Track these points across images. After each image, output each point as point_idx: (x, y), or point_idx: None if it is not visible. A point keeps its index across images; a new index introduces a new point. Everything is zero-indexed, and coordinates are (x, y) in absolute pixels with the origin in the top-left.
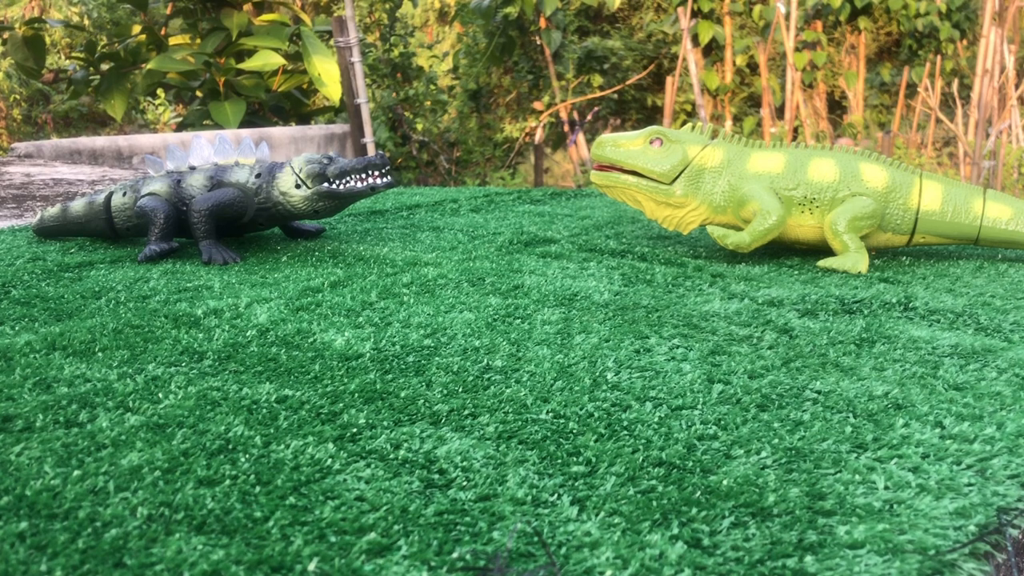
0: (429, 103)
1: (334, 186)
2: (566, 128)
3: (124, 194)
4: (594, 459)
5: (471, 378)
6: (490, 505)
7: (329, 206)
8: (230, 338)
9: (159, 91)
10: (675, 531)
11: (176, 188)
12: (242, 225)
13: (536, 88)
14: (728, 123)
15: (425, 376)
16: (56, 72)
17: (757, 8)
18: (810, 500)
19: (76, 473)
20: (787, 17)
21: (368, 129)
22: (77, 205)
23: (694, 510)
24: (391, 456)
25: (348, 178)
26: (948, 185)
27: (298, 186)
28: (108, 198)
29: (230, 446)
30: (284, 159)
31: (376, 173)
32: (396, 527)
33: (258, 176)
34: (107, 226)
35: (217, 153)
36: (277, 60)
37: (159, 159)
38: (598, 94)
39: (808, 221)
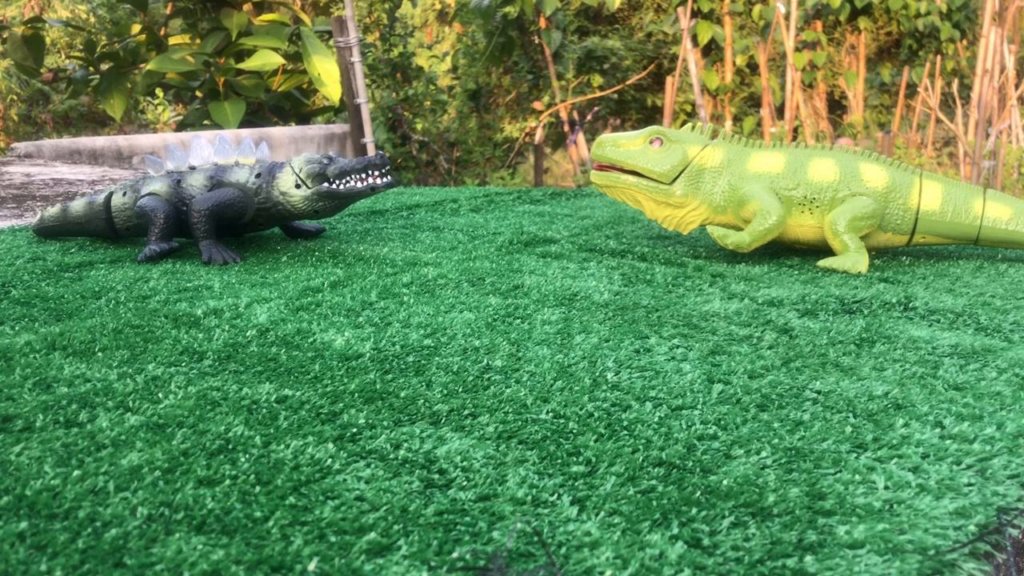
0: (429, 103)
1: (334, 186)
2: (566, 128)
3: (124, 194)
4: (594, 459)
5: (471, 378)
6: (490, 505)
7: (329, 206)
8: (230, 338)
9: (158, 91)
10: (675, 531)
11: (176, 188)
12: (242, 225)
13: (536, 88)
14: (728, 123)
15: (425, 376)
16: (55, 71)
17: (757, 8)
18: (810, 500)
19: (76, 473)
20: (787, 17)
21: (368, 129)
22: (77, 205)
23: (694, 510)
24: (391, 456)
25: (348, 178)
26: (948, 185)
27: (298, 186)
28: (108, 198)
29: (230, 446)
30: (284, 159)
31: (376, 173)
32: (396, 527)
33: (258, 176)
34: (107, 226)
35: (217, 153)
36: (276, 60)
37: (159, 159)
38: (598, 94)
39: (808, 221)
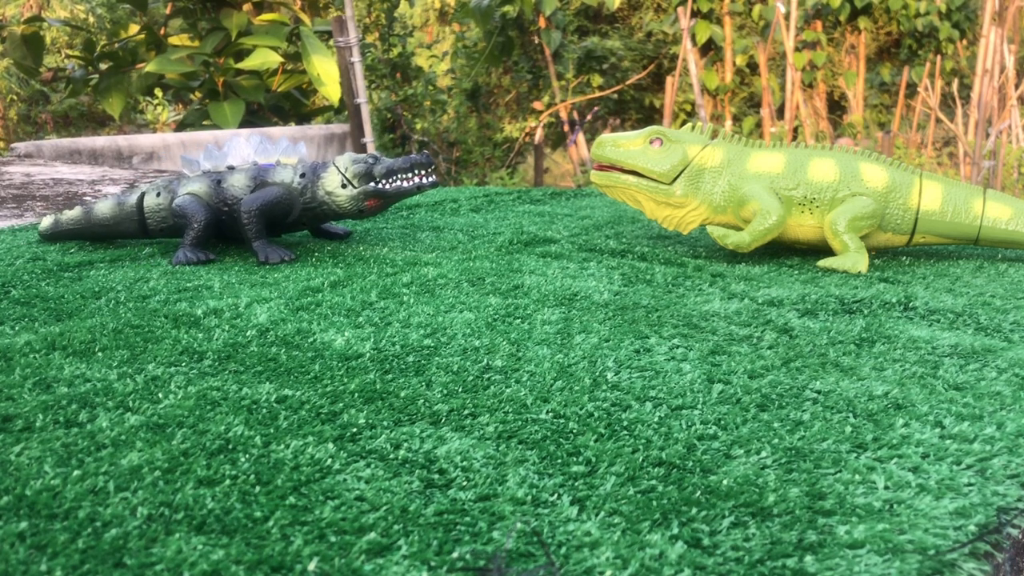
0: (428, 103)
1: (381, 185)
2: (566, 128)
3: (158, 194)
4: (594, 459)
5: (471, 378)
6: (490, 505)
7: (374, 205)
8: (230, 338)
9: (157, 91)
10: (675, 531)
11: (216, 188)
12: (284, 225)
13: (536, 88)
14: (728, 123)
15: (425, 376)
16: (55, 71)
17: (757, 8)
18: (810, 500)
19: (76, 473)
20: (787, 17)
21: (368, 129)
22: (103, 207)
23: (694, 510)
24: (391, 456)
25: (395, 177)
26: (948, 185)
27: (344, 186)
28: (140, 199)
29: (230, 446)
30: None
31: (422, 172)
32: (396, 527)
33: (302, 176)
34: (139, 227)
35: (258, 153)
36: (274, 58)
37: (195, 159)
38: (598, 94)
39: (808, 221)
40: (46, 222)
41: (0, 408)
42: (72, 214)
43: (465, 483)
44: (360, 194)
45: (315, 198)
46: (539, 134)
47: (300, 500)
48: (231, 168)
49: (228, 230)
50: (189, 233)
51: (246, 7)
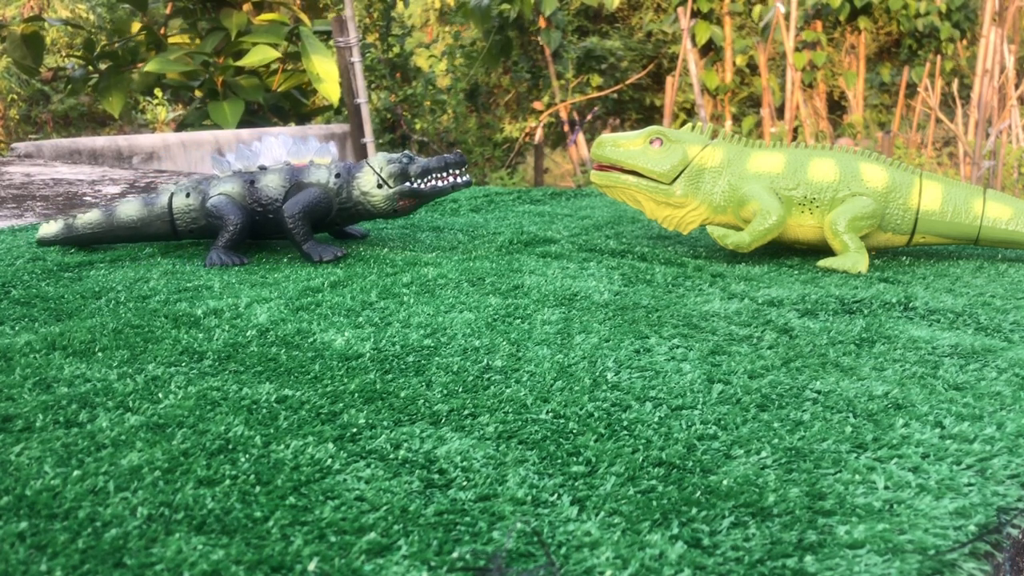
0: (428, 103)
1: (418, 185)
2: (566, 128)
3: (187, 195)
4: (594, 459)
5: (471, 378)
6: (490, 505)
7: (409, 205)
8: (230, 338)
9: (157, 91)
10: (675, 531)
11: (250, 188)
12: (321, 226)
13: (535, 88)
14: (728, 123)
15: (425, 376)
16: (55, 71)
17: (757, 8)
18: (810, 500)
19: (76, 473)
20: (787, 17)
21: (368, 129)
22: (128, 209)
23: (694, 510)
24: (391, 456)
25: (430, 177)
26: (948, 185)
27: (380, 186)
28: (170, 200)
29: (230, 446)
30: None
31: (456, 171)
32: (396, 527)
33: (337, 176)
34: (169, 228)
35: (291, 153)
36: (272, 54)
37: (226, 159)
38: (597, 94)
39: (808, 221)
40: (52, 228)
41: (0, 408)
42: (89, 218)
43: (465, 483)
44: (395, 194)
45: (350, 198)
46: (539, 134)
47: (300, 500)
48: (263, 168)
49: (261, 230)
50: (224, 235)
51: (246, 7)
